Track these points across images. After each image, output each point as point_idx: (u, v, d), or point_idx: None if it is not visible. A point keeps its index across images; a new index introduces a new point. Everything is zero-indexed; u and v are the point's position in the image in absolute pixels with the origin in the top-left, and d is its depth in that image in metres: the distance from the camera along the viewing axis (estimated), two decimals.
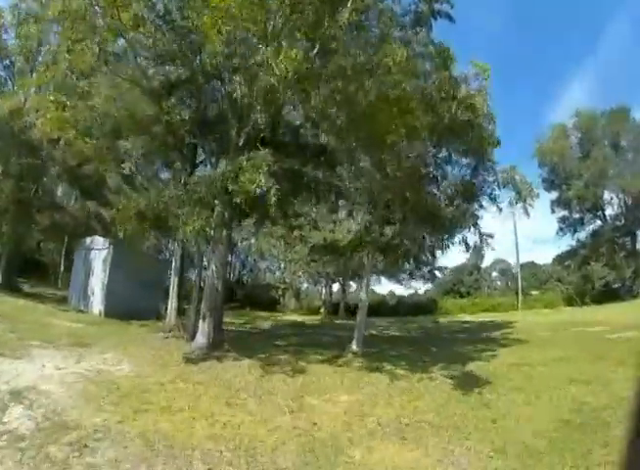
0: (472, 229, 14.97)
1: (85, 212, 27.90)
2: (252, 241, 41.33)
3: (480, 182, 15.17)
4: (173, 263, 17.33)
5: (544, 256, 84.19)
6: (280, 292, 41.37)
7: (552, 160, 40.37)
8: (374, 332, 22.87)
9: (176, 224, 11.47)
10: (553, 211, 41.82)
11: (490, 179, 15.07)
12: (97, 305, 21.19)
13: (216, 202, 12.89)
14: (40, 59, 24.14)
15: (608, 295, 35.33)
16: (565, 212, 42.06)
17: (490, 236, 15.21)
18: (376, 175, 13.21)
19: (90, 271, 22.61)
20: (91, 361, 10.90)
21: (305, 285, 43.09)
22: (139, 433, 6.55)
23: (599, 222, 41.32)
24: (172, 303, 16.65)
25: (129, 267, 20.71)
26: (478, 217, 15.02)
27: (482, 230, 15.27)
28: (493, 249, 15.67)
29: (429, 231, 15.11)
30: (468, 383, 10.37)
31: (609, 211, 41.16)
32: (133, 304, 19.65)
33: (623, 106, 39.27)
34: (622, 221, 40.36)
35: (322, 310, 35.95)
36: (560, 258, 45.22)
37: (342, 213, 30.65)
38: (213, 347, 12.54)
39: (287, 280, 41.96)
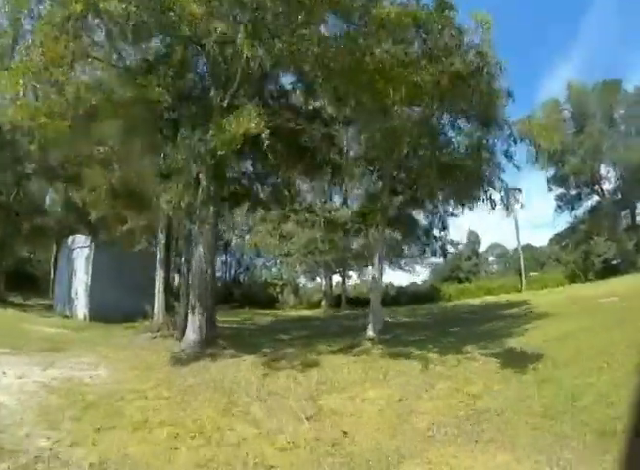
0: (492, 187, 12.62)
1: (65, 209, 25.18)
2: (247, 237, 39.09)
3: (493, 139, 12.83)
4: (157, 254, 15.00)
5: (540, 239, 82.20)
6: (278, 289, 39.18)
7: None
8: (385, 319, 20.85)
9: (155, 202, 9.45)
10: (550, 189, 39.83)
11: (505, 134, 12.79)
12: (82, 308, 19.00)
13: (201, 175, 10.96)
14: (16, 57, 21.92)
15: (609, 270, 33.79)
16: (561, 190, 40.10)
17: (518, 190, 12.99)
18: (384, 125, 10.90)
19: (73, 273, 20.37)
20: (62, 368, 8.97)
21: (304, 280, 40.76)
22: (97, 460, 4.52)
23: (597, 197, 39.42)
24: (159, 298, 14.43)
25: (114, 265, 18.51)
26: (501, 170, 12.63)
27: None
28: (522, 205, 13.42)
29: (444, 193, 12.81)
30: (515, 360, 8.48)
31: (606, 186, 39.31)
32: (121, 305, 17.47)
33: (615, 78, 37.60)
34: (620, 195, 38.60)
35: (323, 303, 33.65)
36: (559, 237, 43.42)
37: (337, 203, 28.65)
38: (206, 343, 10.41)
39: (284, 276, 39.82)
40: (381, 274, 13.17)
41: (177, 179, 9.12)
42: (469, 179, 11.61)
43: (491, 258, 57.91)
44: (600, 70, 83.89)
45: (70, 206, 24.57)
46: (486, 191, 12.33)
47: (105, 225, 19.19)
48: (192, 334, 10.51)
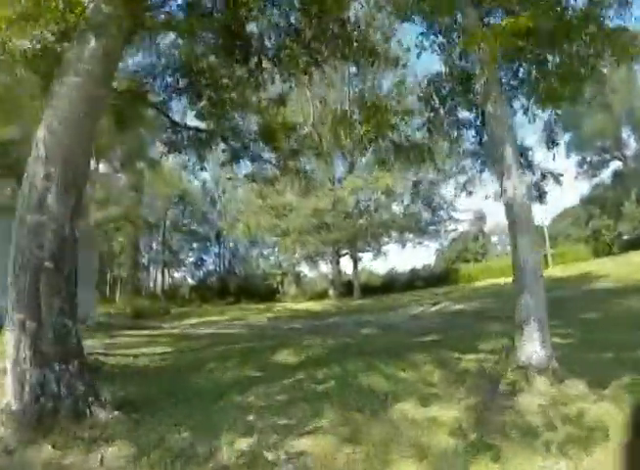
0: None
1: None
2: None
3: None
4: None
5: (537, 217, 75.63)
6: (278, 279, 31.81)
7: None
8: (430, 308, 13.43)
9: None
10: (568, 156, 33.03)
11: None
12: None
13: None
14: None
15: (628, 245, 27.39)
16: (580, 157, 33.28)
17: None
18: None
19: None
20: None
21: (305, 268, 33.15)
22: None
23: (619, 163, 32.56)
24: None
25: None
26: None
27: None
28: None
29: None
30: None
31: (628, 153, 32.40)
32: None
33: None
34: None
35: (331, 293, 26.01)
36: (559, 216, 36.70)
37: None
38: (54, 423, 2.89)
39: (283, 264, 32.46)
40: (529, 200, 5.08)
41: None
42: None
43: (494, 238, 50.40)
44: None
45: None
46: None
47: None
48: (14, 400, 3.00)
